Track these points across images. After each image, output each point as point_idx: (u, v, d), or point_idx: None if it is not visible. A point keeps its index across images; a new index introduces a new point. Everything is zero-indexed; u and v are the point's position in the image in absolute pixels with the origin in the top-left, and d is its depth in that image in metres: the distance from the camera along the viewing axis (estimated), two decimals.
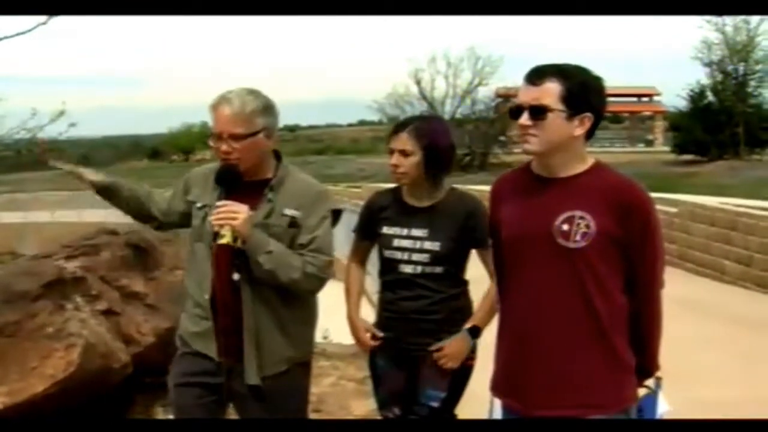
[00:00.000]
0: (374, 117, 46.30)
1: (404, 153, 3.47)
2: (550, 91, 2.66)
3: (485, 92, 43.92)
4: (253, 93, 3.20)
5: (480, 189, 13.69)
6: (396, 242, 3.54)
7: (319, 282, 3.23)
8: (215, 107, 3.17)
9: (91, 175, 3.52)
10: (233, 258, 3.17)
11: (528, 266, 2.80)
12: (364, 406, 5.87)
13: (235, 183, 3.21)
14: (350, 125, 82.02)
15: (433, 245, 3.47)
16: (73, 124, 5.93)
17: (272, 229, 3.17)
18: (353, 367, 7.09)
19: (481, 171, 36.83)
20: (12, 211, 34.59)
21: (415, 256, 3.50)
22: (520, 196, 2.84)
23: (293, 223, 3.19)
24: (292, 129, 79.97)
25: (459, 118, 43.87)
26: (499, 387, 2.98)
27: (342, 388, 6.29)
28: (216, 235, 3.14)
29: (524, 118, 2.70)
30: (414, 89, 44.35)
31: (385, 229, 3.57)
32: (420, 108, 41.47)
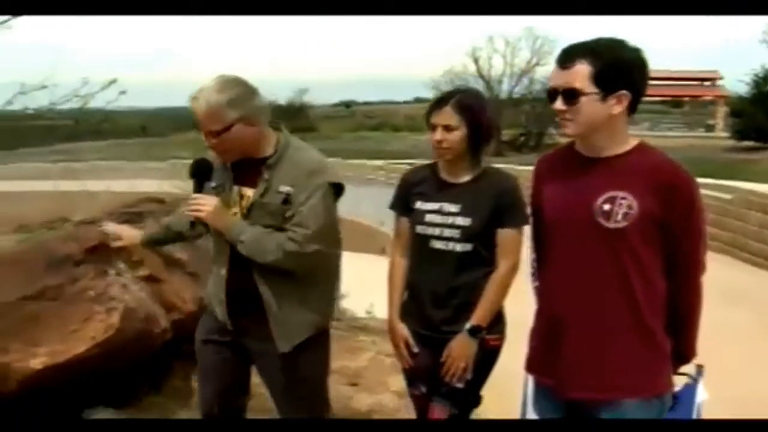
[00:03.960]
0: (430, 95, 46.31)
1: (448, 128, 3.43)
2: (580, 74, 2.63)
3: (543, 72, 43.48)
4: (223, 87, 3.26)
5: (532, 169, 13.56)
6: (428, 217, 3.51)
7: (301, 258, 3.30)
8: (191, 105, 3.28)
9: (134, 238, 3.90)
10: None
11: (567, 246, 2.79)
12: (399, 382, 5.88)
13: (208, 175, 3.40)
14: (406, 102, 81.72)
15: (465, 221, 3.44)
16: (123, 92, 5.98)
17: (268, 207, 3.30)
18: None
19: (535, 151, 36.54)
20: (68, 179, 35.17)
21: (447, 232, 3.46)
22: (563, 175, 2.83)
23: (286, 199, 3.28)
24: (347, 105, 79.95)
25: (516, 98, 43.52)
26: (533, 365, 2.99)
27: (380, 363, 6.29)
28: None
29: (558, 103, 2.69)
30: (471, 68, 44.09)
31: (418, 204, 3.55)
32: (477, 87, 41.24)
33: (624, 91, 2.65)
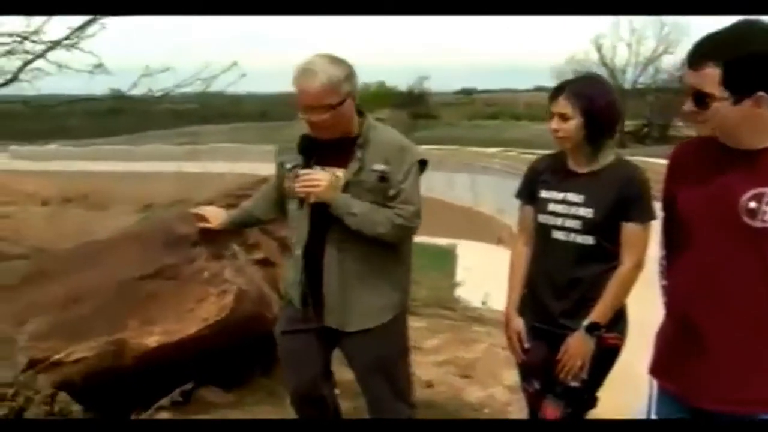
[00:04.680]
0: (552, 83, 45.54)
1: (563, 117, 3.33)
2: (709, 77, 2.38)
3: (669, 61, 42.15)
4: (334, 61, 3.29)
5: (656, 162, 13.13)
6: (551, 206, 3.41)
7: (408, 231, 3.45)
8: (300, 81, 3.26)
9: (217, 219, 3.98)
10: (324, 213, 3.37)
11: (705, 244, 2.57)
12: (513, 376, 5.77)
13: (315, 151, 3.38)
14: (527, 91, 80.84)
15: (587, 212, 3.31)
16: (243, 75, 6.06)
17: (364, 185, 3.34)
18: None
19: (658, 143, 35.58)
20: (191, 161, 36.16)
21: (568, 222, 3.35)
22: (703, 168, 2.60)
23: (383, 177, 3.33)
24: (468, 92, 79.48)
25: (640, 88, 42.43)
26: (658, 368, 2.79)
27: (494, 356, 6.21)
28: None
29: (688, 105, 2.48)
30: (594, 56, 43.24)
31: (543, 193, 3.46)
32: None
33: (761, 93, 2.42)
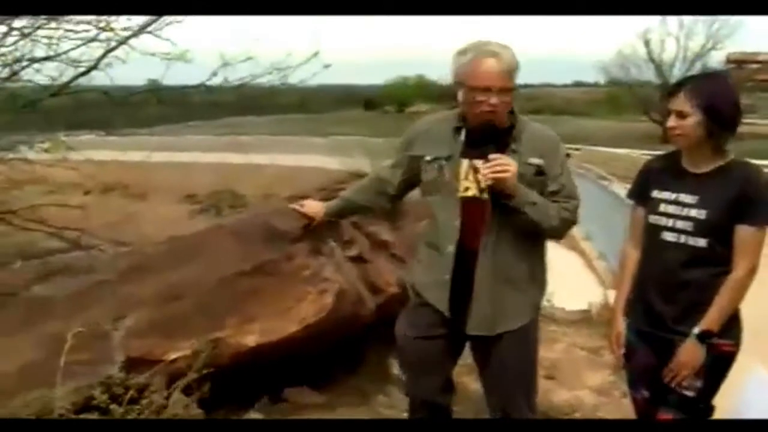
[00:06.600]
0: (590, 78, 44.92)
1: (681, 114, 3.20)
2: None
3: (717, 57, 41.47)
4: (508, 48, 3.24)
5: None
6: (662, 207, 3.30)
7: (570, 226, 3.40)
8: (479, 61, 3.19)
9: (317, 211, 3.88)
10: (484, 210, 3.25)
11: None
12: (597, 378, 5.67)
13: (495, 138, 3.27)
14: (565, 86, 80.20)
15: (700, 213, 3.18)
16: (327, 65, 5.94)
17: (523, 178, 3.21)
18: (583, 335, 6.91)
19: None
20: (234, 152, 36.23)
21: (680, 224, 3.23)
22: None
23: (539, 171, 3.25)
24: None
25: None
26: None
27: (574, 356, 6.12)
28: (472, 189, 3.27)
29: None
30: (641, 50, 42.70)
31: (655, 193, 3.34)
32: (647, 71, 39.90)
33: None
